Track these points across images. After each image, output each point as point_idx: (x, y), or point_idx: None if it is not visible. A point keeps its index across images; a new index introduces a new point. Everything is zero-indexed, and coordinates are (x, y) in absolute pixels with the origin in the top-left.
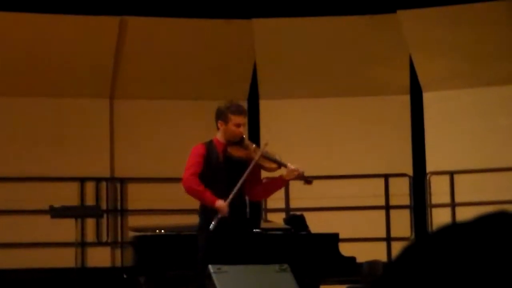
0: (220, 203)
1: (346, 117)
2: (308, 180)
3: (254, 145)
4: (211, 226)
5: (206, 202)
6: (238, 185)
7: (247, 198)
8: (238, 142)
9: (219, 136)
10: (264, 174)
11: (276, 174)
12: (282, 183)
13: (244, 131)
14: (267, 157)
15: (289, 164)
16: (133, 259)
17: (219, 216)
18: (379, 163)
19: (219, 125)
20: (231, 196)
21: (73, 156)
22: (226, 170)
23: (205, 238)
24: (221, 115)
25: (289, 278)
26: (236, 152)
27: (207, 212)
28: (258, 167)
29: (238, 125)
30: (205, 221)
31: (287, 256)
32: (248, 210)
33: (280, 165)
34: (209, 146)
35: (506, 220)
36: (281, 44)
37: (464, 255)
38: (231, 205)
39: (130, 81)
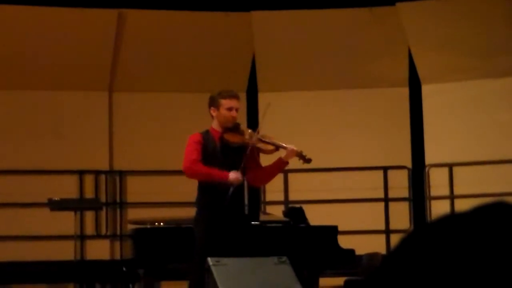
0: (233, 175)
1: (345, 109)
2: (307, 159)
3: (250, 130)
4: (226, 202)
5: (217, 179)
6: (243, 163)
7: (246, 185)
8: (233, 128)
9: (214, 124)
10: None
11: (274, 156)
12: (282, 164)
13: (237, 116)
14: (264, 140)
15: (286, 145)
16: (132, 251)
17: (232, 188)
18: (378, 155)
19: (212, 112)
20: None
21: (72, 149)
22: (224, 157)
23: (202, 230)
24: (212, 102)
25: (288, 270)
26: (232, 138)
27: (203, 204)
28: (256, 151)
29: (230, 109)
30: (202, 213)
31: (286, 249)
32: (247, 202)
33: (278, 147)
34: (206, 135)
35: (504, 210)
36: (280, 37)
37: (462, 245)
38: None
39: (128, 74)
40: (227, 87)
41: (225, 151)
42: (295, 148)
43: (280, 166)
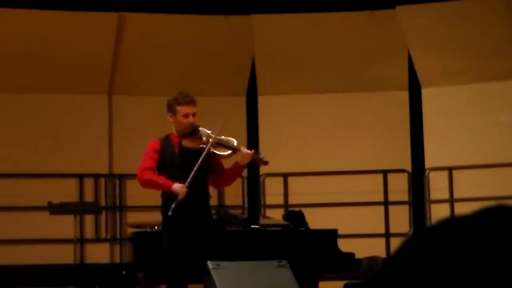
0: (177, 185)
1: (344, 112)
2: (263, 161)
3: (208, 132)
4: (169, 212)
5: (164, 188)
6: (194, 169)
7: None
8: (192, 132)
9: (173, 129)
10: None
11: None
12: (238, 168)
13: (195, 121)
14: (220, 143)
15: (242, 148)
16: (132, 255)
17: (178, 200)
18: (377, 159)
19: (169, 118)
20: (188, 180)
21: (71, 152)
22: (182, 163)
23: (168, 237)
24: (169, 108)
25: (288, 274)
26: (189, 143)
27: (165, 211)
28: (214, 155)
29: (186, 116)
30: (165, 220)
31: (286, 252)
32: (246, 206)
33: (234, 150)
34: (165, 141)
35: (505, 214)
36: (280, 40)
37: (463, 248)
38: (192, 195)
39: (128, 77)
40: (227, 91)
41: (183, 157)
42: (250, 151)
43: (237, 170)
